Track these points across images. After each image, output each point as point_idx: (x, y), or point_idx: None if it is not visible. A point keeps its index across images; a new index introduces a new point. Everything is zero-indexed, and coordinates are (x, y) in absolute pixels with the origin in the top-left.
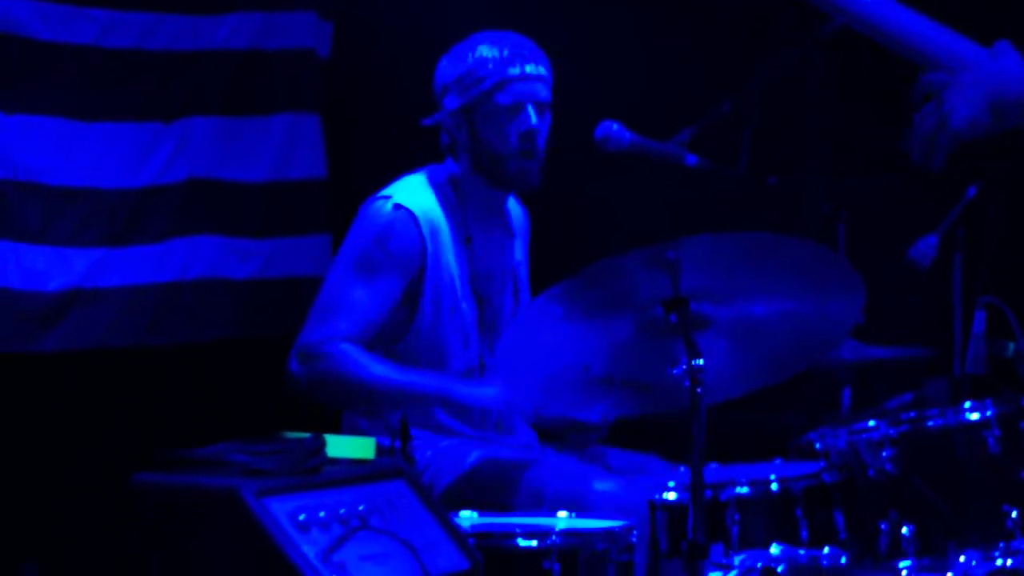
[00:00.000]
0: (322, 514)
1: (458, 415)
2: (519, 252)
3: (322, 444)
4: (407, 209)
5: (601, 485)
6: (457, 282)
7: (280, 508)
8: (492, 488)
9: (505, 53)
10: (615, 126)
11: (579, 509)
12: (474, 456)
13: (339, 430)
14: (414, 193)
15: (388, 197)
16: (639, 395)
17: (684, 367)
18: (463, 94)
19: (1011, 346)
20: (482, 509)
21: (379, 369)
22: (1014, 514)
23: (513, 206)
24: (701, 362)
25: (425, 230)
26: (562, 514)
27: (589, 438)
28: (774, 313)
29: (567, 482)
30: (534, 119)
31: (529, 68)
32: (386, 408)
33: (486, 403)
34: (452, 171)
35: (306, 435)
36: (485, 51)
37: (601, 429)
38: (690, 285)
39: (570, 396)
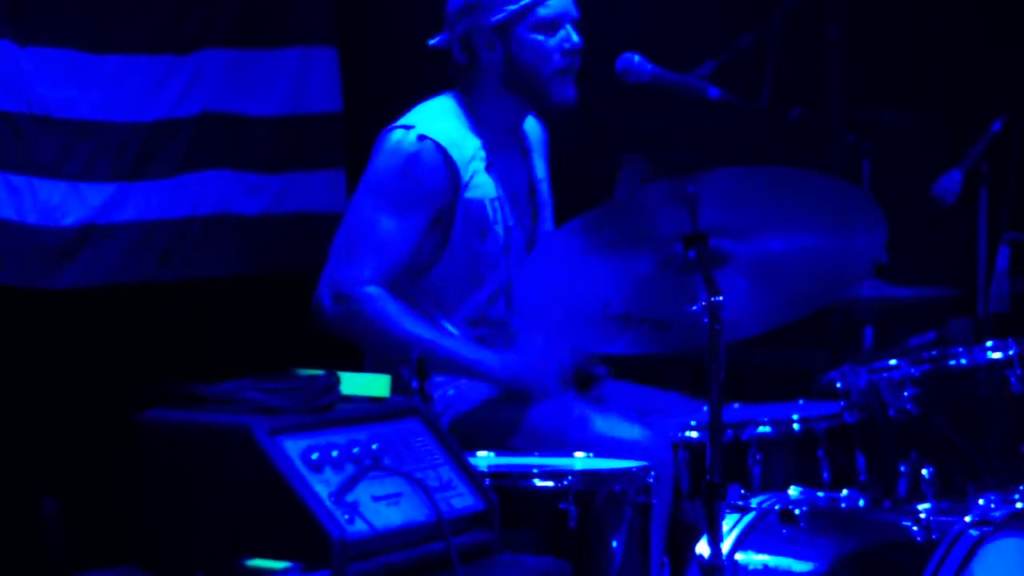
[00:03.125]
0: (335, 453)
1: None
2: (540, 169)
3: (336, 381)
4: (432, 140)
5: (624, 430)
6: (489, 207)
7: (293, 446)
8: (515, 431)
9: None
10: (636, 58)
11: (601, 453)
12: (497, 399)
13: (354, 367)
14: (438, 121)
15: (411, 127)
16: (658, 333)
17: (703, 304)
18: (498, 9)
19: None
20: (500, 448)
21: (410, 324)
22: None
23: (529, 122)
24: (720, 298)
25: (454, 158)
26: (579, 454)
27: (590, 386)
28: (794, 249)
29: (588, 427)
30: (575, 36)
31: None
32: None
33: (511, 381)
34: (468, 95)
35: (320, 372)
36: None
37: (601, 378)
38: (709, 220)
39: (588, 332)
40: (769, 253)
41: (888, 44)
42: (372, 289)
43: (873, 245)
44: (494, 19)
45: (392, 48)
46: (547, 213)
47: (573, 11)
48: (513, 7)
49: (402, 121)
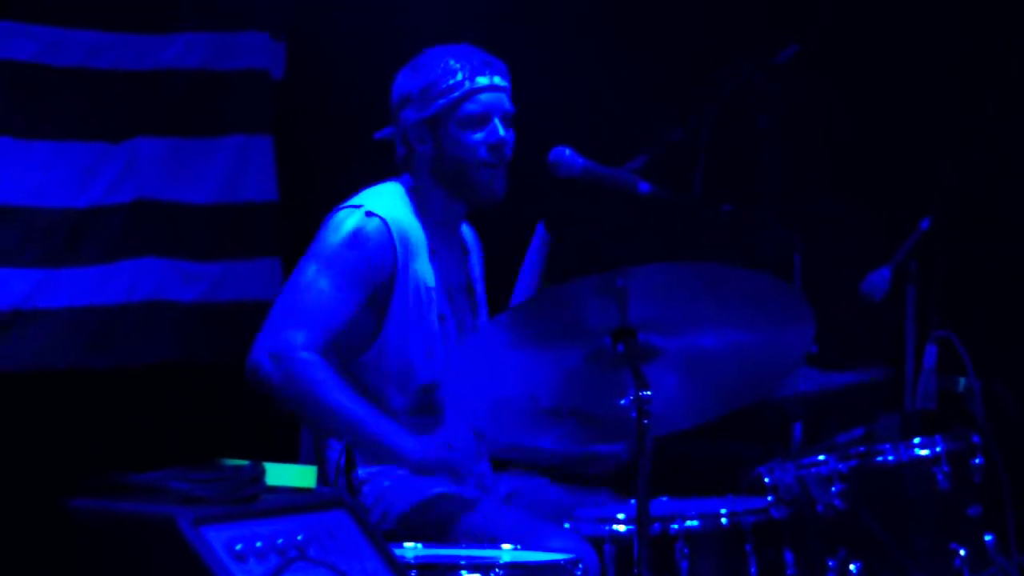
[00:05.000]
0: (259, 544)
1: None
2: (477, 269)
3: (261, 472)
4: (380, 216)
5: (552, 529)
6: (431, 293)
7: (217, 537)
8: (443, 526)
9: (474, 63)
10: (568, 151)
11: (528, 546)
12: (428, 492)
13: (282, 457)
14: (385, 202)
15: (360, 206)
16: (587, 427)
17: (631, 398)
18: (428, 105)
19: (962, 381)
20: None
21: (342, 397)
22: (962, 552)
23: (464, 229)
24: (648, 393)
25: (397, 239)
26: (507, 546)
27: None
28: (724, 344)
29: (515, 520)
30: (502, 130)
31: (497, 79)
32: (334, 436)
33: (424, 463)
34: (411, 184)
35: (245, 462)
36: (451, 62)
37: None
38: (639, 315)
39: (517, 425)
40: (698, 348)
41: (820, 138)
42: (307, 355)
43: (802, 341)
44: (424, 114)
45: (329, 137)
46: (483, 312)
47: (503, 105)
48: (441, 101)
49: (351, 202)
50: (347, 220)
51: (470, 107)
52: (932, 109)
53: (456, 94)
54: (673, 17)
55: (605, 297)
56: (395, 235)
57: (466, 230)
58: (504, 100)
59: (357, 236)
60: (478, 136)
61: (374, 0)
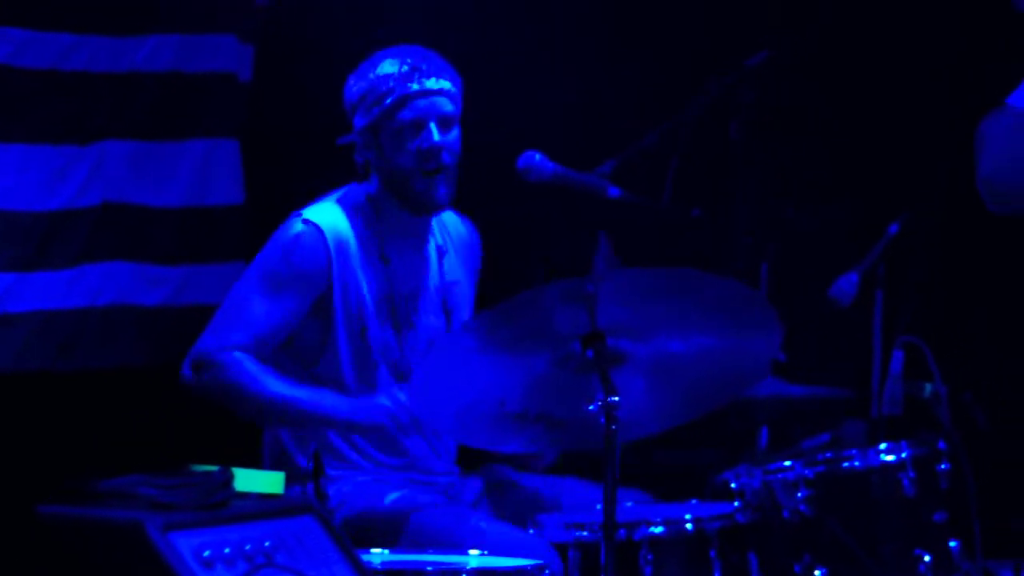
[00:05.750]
0: (227, 550)
1: (380, 447)
2: (457, 271)
3: (230, 478)
4: (315, 225)
5: (515, 533)
6: (370, 303)
7: (185, 543)
8: (404, 533)
9: (405, 68)
10: (537, 156)
11: (493, 551)
12: (391, 498)
13: (251, 463)
14: (325, 211)
15: (299, 215)
16: (554, 431)
17: (599, 403)
18: (368, 113)
19: (928, 387)
20: (393, 546)
21: (271, 383)
22: (927, 558)
23: (454, 223)
24: (617, 399)
25: (332, 247)
26: (474, 552)
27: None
28: (691, 350)
29: (481, 524)
30: (436, 135)
31: (430, 83)
32: (276, 423)
33: (371, 423)
34: (369, 190)
35: (214, 468)
36: (386, 67)
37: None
38: (607, 320)
39: (484, 430)
40: (667, 353)
41: (790, 146)
42: (235, 354)
43: (769, 347)
44: (366, 121)
45: (296, 141)
46: (464, 315)
47: (440, 109)
48: (376, 110)
49: (297, 211)
50: (286, 230)
51: (404, 114)
52: (904, 116)
53: (389, 101)
54: (648, 24)
55: (574, 303)
56: (331, 243)
57: (455, 224)
58: (442, 103)
59: (290, 245)
60: (413, 143)
61: (344, 2)
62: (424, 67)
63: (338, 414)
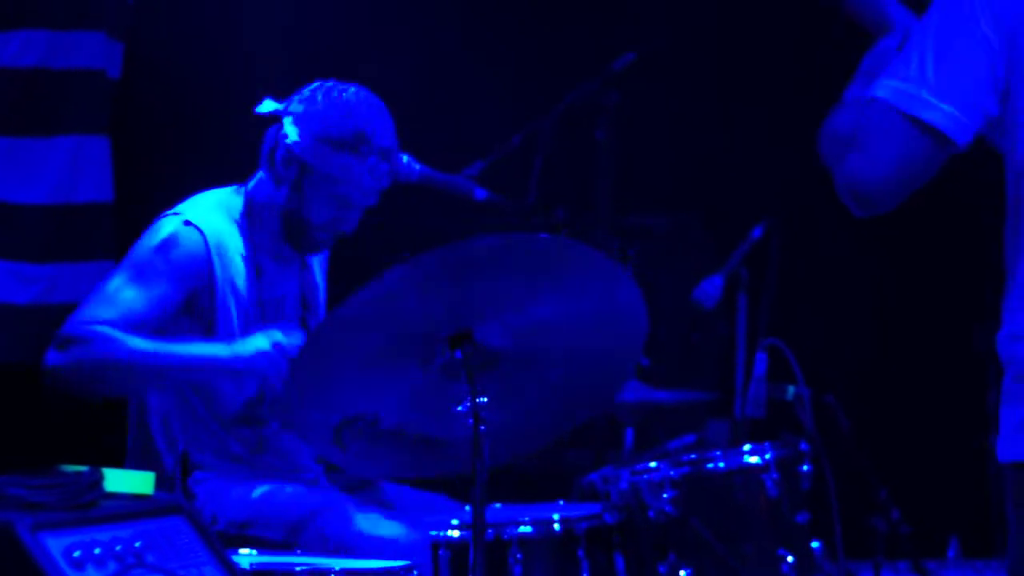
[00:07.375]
0: (97, 551)
1: (243, 443)
2: (319, 274)
3: (100, 478)
4: (197, 227)
5: (385, 528)
6: (235, 309)
7: (55, 543)
8: (275, 526)
9: (380, 155)
10: (405, 157)
11: (362, 552)
12: (259, 492)
13: (121, 462)
14: (206, 214)
15: (178, 214)
16: (432, 452)
17: (467, 404)
18: (319, 151)
19: (791, 389)
20: (264, 547)
21: (138, 342)
22: (790, 558)
23: None
24: (485, 399)
25: (213, 251)
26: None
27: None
28: (560, 342)
29: (349, 524)
30: (356, 221)
31: (384, 180)
32: (150, 384)
33: (250, 368)
34: (255, 196)
35: (84, 468)
36: (368, 135)
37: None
38: (469, 310)
39: (358, 449)
40: (536, 348)
41: (654, 149)
42: (100, 328)
43: (636, 330)
44: (309, 154)
45: (166, 138)
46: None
47: (372, 200)
48: (332, 160)
49: (173, 209)
50: (163, 227)
51: (348, 189)
52: (765, 119)
53: (343, 173)
54: (516, 25)
55: (428, 294)
56: (211, 247)
57: None
58: (376, 196)
59: (168, 242)
60: (336, 210)
61: (213, 0)
62: (387, 166)
63: (217, 357)
